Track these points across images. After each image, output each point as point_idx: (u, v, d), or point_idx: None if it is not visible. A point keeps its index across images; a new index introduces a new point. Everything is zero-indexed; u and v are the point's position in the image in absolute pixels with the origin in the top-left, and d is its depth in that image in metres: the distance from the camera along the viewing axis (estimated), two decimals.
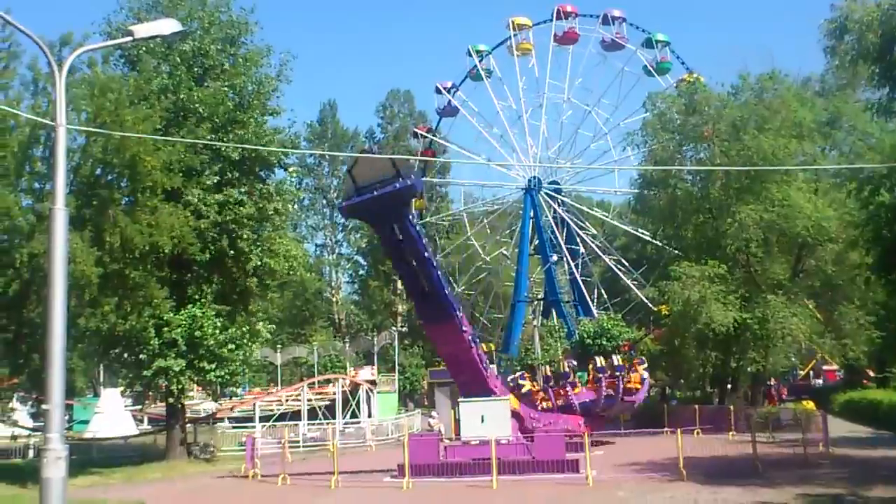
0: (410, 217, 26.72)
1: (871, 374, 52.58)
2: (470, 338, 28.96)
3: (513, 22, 75.22)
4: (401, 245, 26.43)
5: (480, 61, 75.17)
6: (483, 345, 75.00)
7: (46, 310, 13.04)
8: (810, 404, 41.69)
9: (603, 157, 73.55)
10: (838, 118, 41.25)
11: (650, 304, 63.59)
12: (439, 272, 27.40)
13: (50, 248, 12.99)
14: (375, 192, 24.51)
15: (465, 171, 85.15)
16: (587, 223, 76.34)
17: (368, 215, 26.87)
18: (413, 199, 32.09)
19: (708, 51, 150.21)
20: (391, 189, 24.39)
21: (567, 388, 35.48)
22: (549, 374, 36.69)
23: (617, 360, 38.75)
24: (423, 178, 78.82)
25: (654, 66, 69.84)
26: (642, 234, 67.33)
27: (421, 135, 78.99)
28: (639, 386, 38.30)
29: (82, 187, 28.14)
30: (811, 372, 67.72)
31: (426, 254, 26.43)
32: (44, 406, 12.53)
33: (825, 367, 64.06)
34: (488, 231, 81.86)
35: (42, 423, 32.57)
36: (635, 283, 70.14)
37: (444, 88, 76.11)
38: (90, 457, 35.79)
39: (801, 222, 37.78)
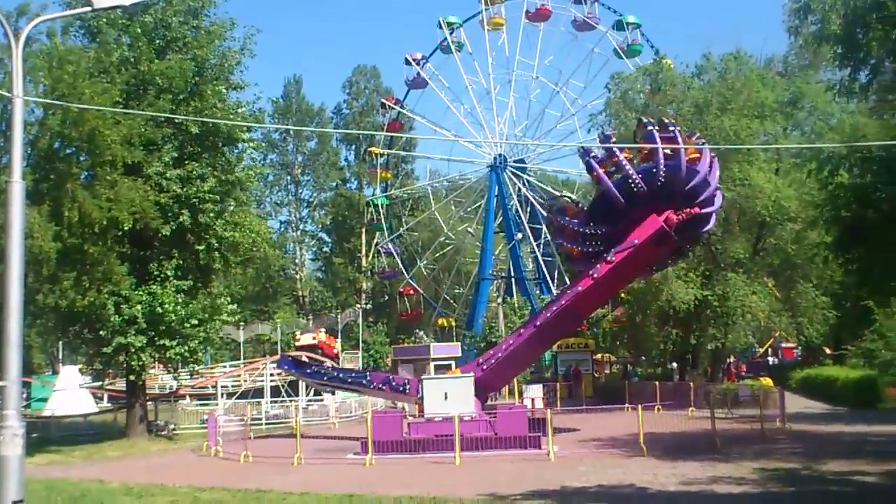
0: None
1: (828, 351, 53.52)
2: None
3: None
4: None
5: (451, 34, 74.95)
6: (443, 320, 75.77)
7: (2, 286, 12.82)
8: (768, 381, 42.42)
9: (569, 137, 73.85)
10: (800, 98, 41.58)
11: None
12: None
13: (6, 223, 12.73)
14: None
15: (432, 146, 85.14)
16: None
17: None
18: None
19: (677, 32, 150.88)
20: None
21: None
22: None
23: None
24: (389, 151, 79.01)
25: (625, 49, 70.04)
26: None
27: (388, 106, 78.62)
28: None
29: (40, 161, 27.74)
30: (769, 349, 68.74)
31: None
32: (0, 382, 12.34)
33: (783, 345, 65.06)
34: (453, 207, 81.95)
35: None
36: None
37: (414, 60, 75.77)
38: (49, 435, 35.43)
39: (762, 201, 38.14)
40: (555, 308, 29.42)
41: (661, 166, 26.99)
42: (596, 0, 74.03)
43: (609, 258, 27.64)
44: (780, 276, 42.48)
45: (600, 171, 28.22)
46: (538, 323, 29.66)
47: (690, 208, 27.18)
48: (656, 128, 27.92)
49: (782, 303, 41.92)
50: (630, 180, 27.29)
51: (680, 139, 27.50)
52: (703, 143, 29.31)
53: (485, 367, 29.77)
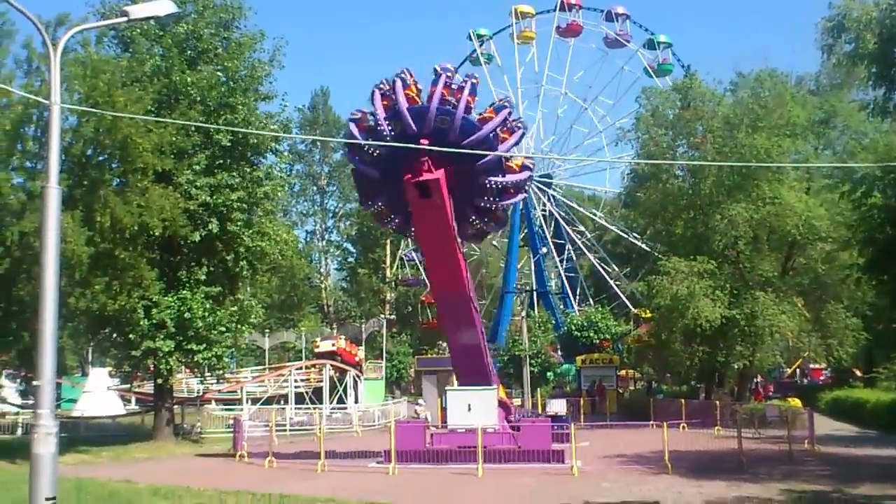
0: None
1: (858, 373, 52.88)
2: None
3: (516, 10, 75.07)
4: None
5: (481, 45, 74.99)
6: None
7: (37, 288, 13.00)
8: (796, 401, 41.95)
9: (596, 154, 73.73)
10: (832, 117, 41.34)
11: (629, 304, 63.93)
12: None
13: (43, 227, 12.92)
14: None
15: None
16: (575, 218, 76.48)
17: None
18: None
19: (707, 51, 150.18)
20: None
21: None
22: None
23: None
24: None
25: (655, 68, 69.77)
26: (627, 233, 67.36)
27: None
28: None
29: (73, 167, 28.10)
30: (798, 370, 68.06)
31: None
32: (34, 383, 12.52)
33: (811, 366, 64.39)
34: None
35: (30, 401, 32.50)
36: (618, 283, 70.44)
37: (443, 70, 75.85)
38: (78, 435, 35.74)
39: (792, 220, 37.88)
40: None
41: (434, 107, 24.08)
42: (628, 18, 73.88)
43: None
44: (810, 296, 42.08)
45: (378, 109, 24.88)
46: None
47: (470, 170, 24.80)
48: (449, 73, 24.99)
49: (811, 323, 41.53)
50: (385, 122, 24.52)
51: (466, 95, 24.35)
52: (516, 121, 26.57)
53: None
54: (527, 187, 27.56)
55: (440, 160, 24.22)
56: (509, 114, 25.80)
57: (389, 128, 24.54)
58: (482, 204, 26.22)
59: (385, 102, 24.85)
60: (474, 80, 25.26)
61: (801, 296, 42.36)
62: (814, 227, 37.96)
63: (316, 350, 53.64)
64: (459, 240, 27.19)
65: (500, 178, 25.76)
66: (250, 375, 54.79)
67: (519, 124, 26.60)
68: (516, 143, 26.52)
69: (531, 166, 27.54)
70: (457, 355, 28.79)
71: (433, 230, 26.23)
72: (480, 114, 25.15)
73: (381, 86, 25.14)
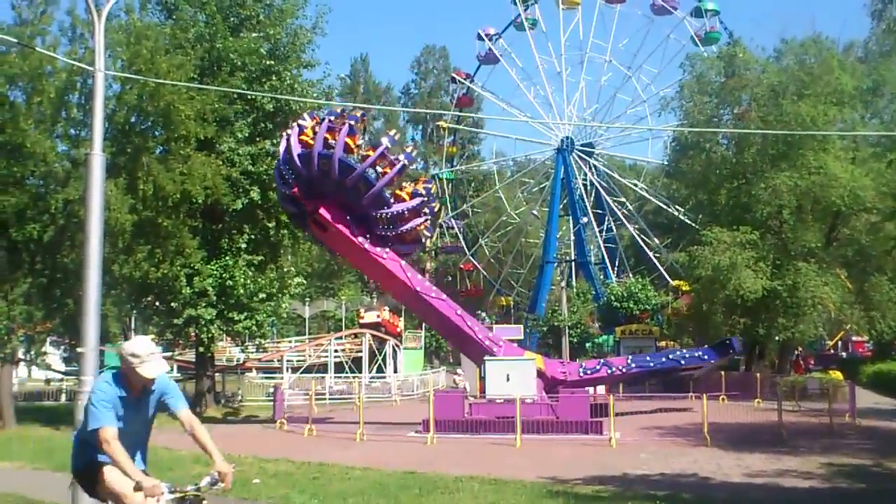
0: None
1: None
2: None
3: None
4: None
5: (526, 10, 74.31)
6: (503, 299, 75.86)
7: (81, 255, 13.16)
8: (838, 374, 41.49)
9: (639, 123, 72.87)
10: (881, 85, 40.37)
11: (667, 276, 63.45)
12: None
13: (87, 194, 13.05)
14: None
15: (499, 124, 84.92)
16: (616, 188, 75.91)
17: None
18: None
19: (754, 16, 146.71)
20: None
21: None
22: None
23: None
24: (458, 126, 79.25)
25: (702, 37, 68.45)
26: (668, 204, 66.69)
27: (459, 81, 78.63)
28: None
29: (117, 135, 28.33)
30: (839, 342, 67.24)
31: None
32: (78, 350, 12.70)
33: (854, 339, 63.56)
34: (517, 189, 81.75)
35: (74, 368, 33.10)
36: (657, 255, 69.90)
37: (487, 35, 75.55)
38: None
39: (837, 191, 37.22)
40: None
41: (316, 152, 26.74)
42: None
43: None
44: (854, 267, 41.40)
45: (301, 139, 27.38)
46: None
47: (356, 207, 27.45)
48: (331, 118, 27.40)
49: (855, 295, 40.89)
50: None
51: (343, 137, 26.68)
52: (396, 157, 27.73)
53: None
54: (426, 210, 29.21)
55: (331, 196, 27.44)
56: (387, 149, 27.43)
57: (288, 169, 27.74)
58: (379, 232, 28.23)
59: (302, 137, 27.34)
60: (352, 123, 27.22)
61: (844, 267, 41.68)
62: (859, 197, 37.27)
63: (360, 321, 54.01)
64: (380, 247, 28.63)
65: (387, 210, 27.68)
66: (291, 345, 55.31)
67: (399, 158, 27.75)
68: (398, 174, 27.76)
69: (424, 193, 28.78)
70: (442, 333, 30.49)
71: (345, 251, 30.26)
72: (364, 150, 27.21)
73: (302, 122, 27.75)
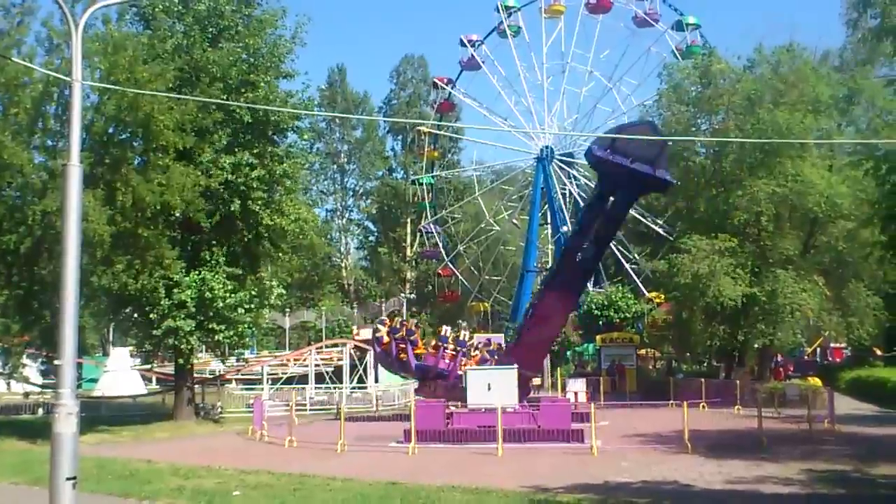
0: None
1: (879, 352, 52.53)
2: None
3: None
4: (602, 211, 27.76)
5: (509, 17, 74.46)
6: (479, 304, 75.75)
7: (59, 267, 13.04)
8: (817, 381, 41.71)
9: None
10: (857, 94, 40.75)
11: (642, 288, 63.65)
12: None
13: (64, 205, 12.93)
14: (632, 164, 25.21)
15: (480, 132, 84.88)
16: None
17: (608, 175, 27.16)
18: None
19: (736, 27, 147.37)
20: (650, 172, 25.37)
21: (407, 345, 32.52)
22: (399, 326, 34.30)
23: (466, 335, 35.05)
24: (438, 132, 79.29)
25: (682, 50, 68.73)
26: (645, 216, 66.91)
27: (440, 86, 78.69)
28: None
29: (95, 145, 28.18)
30: (818, 349, 67.63)
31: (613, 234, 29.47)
32: (56, 362, 12.57)
33: (832, 345, 63.95)
34: (497, 195, 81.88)
35: (52, 381, 32.81)
36: (633, 266, 70.12)
37: (469, 42, 75.66)
38: (99, 414, 36.10)
39: (814, 198, 37.52)
40: None
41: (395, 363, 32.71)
42: None
43: None
44: (831, 274, 41.71)
45: None
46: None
47: None
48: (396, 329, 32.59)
49: (832, 302, 41.18)
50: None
51: None
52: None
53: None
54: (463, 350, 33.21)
55: None
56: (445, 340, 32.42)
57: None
58: None
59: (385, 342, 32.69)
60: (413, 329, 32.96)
61: (822, 274, 41.97)
62: (836, 204, 37.58)
63: (356, 337, 53.60)
64: None
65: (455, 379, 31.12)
66: (271, 358, 55.01)
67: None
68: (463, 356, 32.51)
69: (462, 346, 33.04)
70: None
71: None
72: None
73: None
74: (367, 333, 53.46)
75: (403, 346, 31.23)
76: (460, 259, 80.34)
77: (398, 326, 32.15)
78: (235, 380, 48.34)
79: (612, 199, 27.58)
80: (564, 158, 75.05)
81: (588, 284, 71.93)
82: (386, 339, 31.69)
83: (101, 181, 27.53)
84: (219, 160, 31.92)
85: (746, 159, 40.72)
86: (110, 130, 28.62)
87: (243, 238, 33.94)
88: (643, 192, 30.35)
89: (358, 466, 20.88)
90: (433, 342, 33.19)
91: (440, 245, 79.24)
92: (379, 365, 36.05)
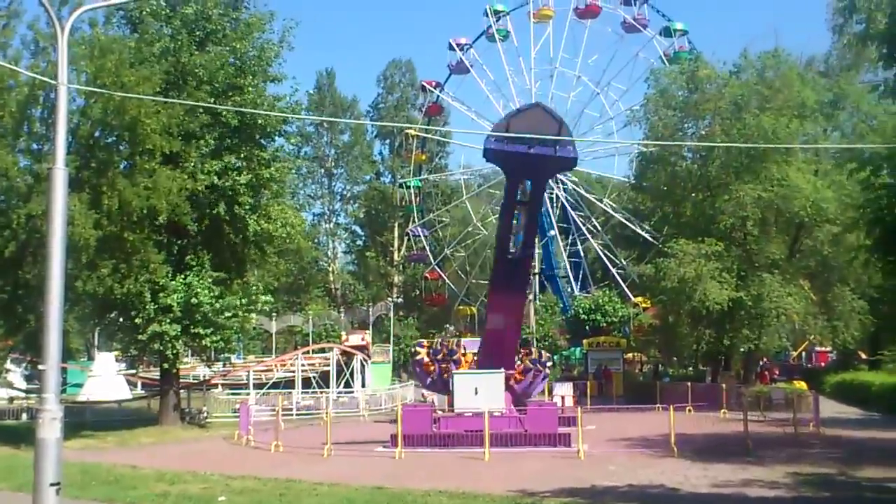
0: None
1: (863, 356, 52.82)
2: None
3: None
4: (519, 203, 27.64)
5: (497, 21, 74.62)
6: (465, 308, 75.79)
7: (43, 271, 12.98)
8: (802, 384, 41.95)
9: (606, 139, 73.21)
10: (842, 99, 41.05)
11: (628, 293, 63.81)
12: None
13: (49, 209, 12.87)
14: (531, 149, 24.51)
15: (468, 136, 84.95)
16: (582, 203, 76.29)
17: (510, 165, 26.88)
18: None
19: (724, 33, 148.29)
20: (550, 153, 24.63)
21: (451, 366, 33.13)
22: (439, 347, 34.22)
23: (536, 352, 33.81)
24: (426, 135, 79.33)
25: (670, 56, 69.03)
26: (633, 221, 67.11)
27: (429, 89, 78.76)
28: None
29: (81, 149, 28.01)
30: (804, 353, 67.99)
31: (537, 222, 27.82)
32: (40, 367, 12.50)
33: (817, 349, 64.29)
34: (485, 199, 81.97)
35: (36, 386, 32.62)
36: (620, 271, 70.29)
37: (458, 45, 75.77)
38: (83, 420, 35.85)
39: (800, 202, 37.75)
40: None
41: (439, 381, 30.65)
42: (646, 2, 73.29)
43: None
44: (817, 278, 41.99)
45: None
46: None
47: None
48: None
49: (818, 306, 41.43)
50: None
51: None
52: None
53: None
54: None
55: None
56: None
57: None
58: None
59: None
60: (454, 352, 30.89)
61: (807, 278, 42.26)
62: (821, 208, 37.82)
63: (345, 343, 53.53)
64: None
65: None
66: (256, 363, 54.84)
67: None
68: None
69: (532, 366, 30.48)
70: None
71: None
72: None
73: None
74: (355, 340, 53.48)
75: (446, 366, 30.97)
76: (448, 263, 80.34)
77: (438, 348, 31.97)
78: (221, 384, 48.14)
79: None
80: None
81: (575, 287, 72.45)
82: (427, 360, 31.56)
83: (87, 185, 27.36)
84: (205, 164, 31.76)
85: (732, 164, 40.94)
86: (96, 134, 28.44)
87: (230, 242, 33.78)
88: (551, 174, 29.84)
89: (344, 471, 20.83)
90: (472, 358, 31.98)
91: (427, 249, 79.32)
92: (426, 390, 34.98)
